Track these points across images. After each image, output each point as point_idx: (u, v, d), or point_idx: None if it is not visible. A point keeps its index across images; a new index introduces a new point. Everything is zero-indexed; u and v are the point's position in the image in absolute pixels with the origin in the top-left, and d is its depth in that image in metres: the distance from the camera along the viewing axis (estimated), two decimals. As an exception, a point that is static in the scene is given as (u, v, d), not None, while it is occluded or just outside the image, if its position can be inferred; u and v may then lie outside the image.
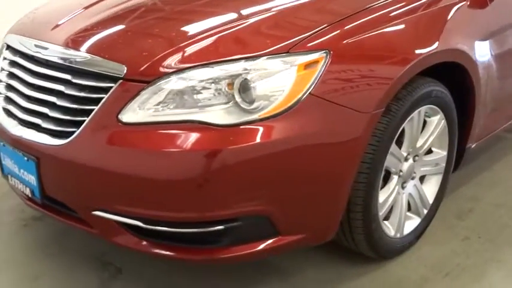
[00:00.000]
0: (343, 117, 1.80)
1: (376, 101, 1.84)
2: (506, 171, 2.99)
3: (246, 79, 1.70)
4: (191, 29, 1.96)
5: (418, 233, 2.33)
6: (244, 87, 1.70)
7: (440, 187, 2.39)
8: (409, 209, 2.30)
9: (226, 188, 1.69)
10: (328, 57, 1.77)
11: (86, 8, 2.26)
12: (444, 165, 2.37)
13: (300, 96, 1.72)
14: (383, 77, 1.86)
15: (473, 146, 2.55)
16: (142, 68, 1.78)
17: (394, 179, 2.15)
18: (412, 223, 2.31)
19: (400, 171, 2.16)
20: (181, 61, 1.78)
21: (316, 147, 1.77)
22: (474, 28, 2.28)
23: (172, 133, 1.71)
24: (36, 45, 2.04)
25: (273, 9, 2.00)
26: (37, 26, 2.23)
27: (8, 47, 2.22)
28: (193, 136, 1.69)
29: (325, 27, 1.84)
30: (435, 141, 2.30)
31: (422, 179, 2.35)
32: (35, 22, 2.29)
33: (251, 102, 1.70)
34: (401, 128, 2.02)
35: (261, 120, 1.70)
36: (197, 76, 1.74)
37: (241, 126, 1.69)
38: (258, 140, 1.69)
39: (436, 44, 2.04)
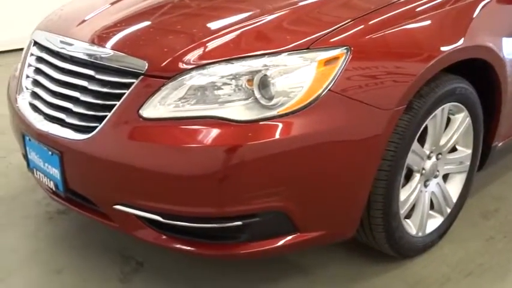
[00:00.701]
0: (364, 114, 1.78)
1: (398, 98, 1.82)
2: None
3: (265, 75, 1.70)
4: (212, 25, 1.97)
5: (441, 232, 2.30)
6: (264, 83, 1.71)
7: (464, 186, 2.35)
8: (432, 207, 2.28)
9: (244, 183, 1.69)
10: (348, 53, 1.76)
11: (112, 4, 2.29)
12: (469, 163, 2.33)
13: (319, 92, 1.72)
14: (405, 74, 1.84)
15: (500, 144, 2.51)
16: (163, 64, 1.79)
17: (417, 177, 2.12)
18: (435, 222, 2.28)
19: (423, 169, 2.13)
20: (202, 57, 1.79)
21: (336, 144, 1.76)
22: (501, 24, 2.24)
23: (192, 128, 1.72)
24: (61, 41, 2.07)
25: (294, 5, 1.99)
26: (63, 22, 2.26)
27: (35, 43, 2.27)
28: (213, 132, 1.69)
29: (347, 23, 1.83)
30: (459, 139, 2.27)
31: (446, 177, 2.32)
32: (61, 19, 2.33)
33: (270, 98, 1.70)
34: (423, 126, 2.00)
35: (280, 116, 1.70)
36: (217, 72, 1.75)
37: (260, 122, 1.69)
38: (277, 136, 1.69)
39: (461, 41, 2.01)
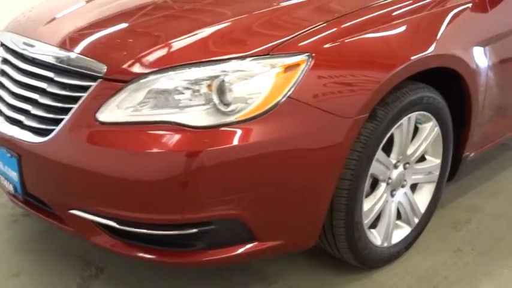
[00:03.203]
0: (324, 122, 1.76)
1: (360, 106, 1.80)
2: (509, 181, 2.91)
3: (223, 81, 1.68)
4: (175, 28, 1.94)
5: (408, 242, 2.28)
6: (222, 89, 1.68)
7: (433, 196, 2.33)
8: (399, 217, 2.25)
9: (199, 191, 1.66)
10: (310, 60, 1.73)
11: (78, 7, 2.26)
12: (438, 174, 2.31)
13: (278, 99, 1.69)
14: (367, 82, 1.82)
15: (472, 155, 2.49)
16: (122, 67, 1.76)
17: (382, 186, 2.10)
18: (402, 232, 2.25)
19: (389, 178, 2.11)
20: (162, 61, 1.76)
21: (295, 151, 1.74)
22: (472, 33, 2.22)
23: (148, 134, 1.69)
24: (24, 43, 2.04)
25: (258, 10, 1.97)
26: (29, 23, 2.23)
27: (2, 45, 2.24)
28: (169, 137, 1.66)
29: (309, 29, 1.80)
30: (428, 148, 2.25)
31: (414, 187, 2.30)
32: (28, 20, 2.30)
33: (228, 104, 1.68)
34: (388, 135, 1.98)
35: (238, 122, 1.67)
36: (177, 76, 1.72)
37: (218, 129, 1.66)
38: (234, 142, 1.66)
39: (429, 49, 1.99)
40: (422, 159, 2.28)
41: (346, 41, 1.81)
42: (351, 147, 1.85)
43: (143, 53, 1.78)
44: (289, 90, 1.70)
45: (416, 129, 2.16)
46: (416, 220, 2.29)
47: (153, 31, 1.97)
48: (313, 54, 1.74)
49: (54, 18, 2.18)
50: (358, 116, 1.80)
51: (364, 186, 1.96)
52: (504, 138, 2.73)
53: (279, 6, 2.01)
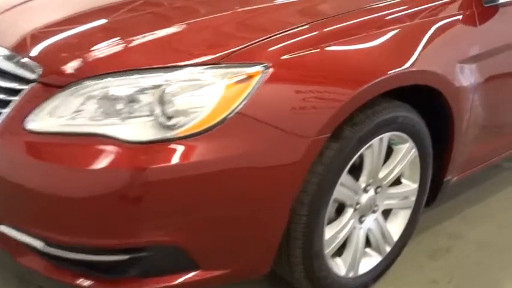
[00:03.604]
0: (278, 141, 1.57)
1: (320, 125, 1.61)
2: (497, 206, 2.72)
3: (164, 91, 1.50)
4: (124, 31, 1.75)
5: (378, 272, 2.09)
6: (163, 100, 1.50)
7: (408, 223, 2.14)
8: (369, 245, 2.07)
9: (130, 214, 1.48)
10: (266, 71, 1.55)
11: (25, 3, 2.08)
12: (414, 199, 2.12)
13: (226, 114, 1.51)
14: (331, 99, 1.63)
15: (455, 178, 2.30)
16: (57, 69, 1.59)
17: (349, 212, 1.91)
18: (371, 261, 2.06)
19: (357, 203, 1.92)
20: (102, 65, 1.59)
21: (244, 172, 1.55)
22: (458, 49, 2.03)
23: (80, 147, 1.51)
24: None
25: (216, 14, 1.79)
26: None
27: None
28: (102, 153, 1.48)
29: (268, 38, 1.62)
30: (405, 172, 2.06)
31: (387, 213, 2.11)
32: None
33: (170, 117, 1.50)
34: (356, 156, 1.79)
35: (180, 138, 1.49)
36: (118, 83, 1.55)
37: (157, 144, 1.48)
38: (173, 161, 1.47)
39: (405, 64, 1.80)
40: (397, 182, 2.09)
41: (308, 52, 1.62)
42: (310, 169, 1.67)
43: (83, 55, 1.61)
44: (239, 105, 1.52)
45: (391, 150, 1.98)
46: (388, 248, 2.10)
47: (99, 32, 1.79)
48: (270, 65, 1.56)
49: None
50: (318, 136, 1.62)
51: (325, 212, 1.77)
52: (495, 161, 2.53)
53: (240, 11, 1.83)
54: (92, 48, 1.63)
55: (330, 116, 1.62)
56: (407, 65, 1.80)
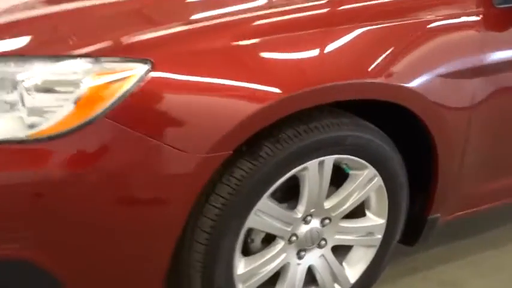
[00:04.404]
0: (156, 155, 1.30)
1: (214, 140, 1.32)
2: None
3: (22, 86, 1.28)
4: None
5: (324, 321, 1.76)
6: (22, 96, 1.29)
7: (371, 265, 1.77)
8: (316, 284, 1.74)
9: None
10: (147, 69, 1.27)
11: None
12: (381, 237, 1.75)
13: (90, 118, 1.25)
14: (228, 109, 1.32)
15: (447, 218, 1.88)
16: None
17: (279, 244, 1.59)
18: (316, 305, 1.74)
19: (293, 235, 1.60)
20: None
21: (111, 187, 1.31)
22: (446, 59, 1.61)
23: None
24: None
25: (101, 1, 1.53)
26: None
27: None
28: None
29: (157, 30, 1.35)
30: (370, 203, 1.70)
31: (345, 249, 1.76)
32: None
33: (27, 115, 1.28)
34: (281, 181, 1.47)
35: (32, 141, 1.27)
36: None
37: (3, 145, 1.27)
38: (20, 165, 1.27)
39: (355, 73, 1.45)
40: (361, 214, 1.73)
41: (204, 48, 1.32)
42: (211, 191, 1.40)
43: None
44: (108, 108, 1.26)
45: (346, 176, 1.63)
46: (340, 291, 1.76)
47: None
48: (154, 63, 1.29)
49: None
50: (211, 153, 1.33)
51: (232, 243, 1.47)
52: (509, 201, 2.05)
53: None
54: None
55: (228, 130, 1.32)
56: (360, 74, 1.45)
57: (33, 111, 1.27)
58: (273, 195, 1.55)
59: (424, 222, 1.83)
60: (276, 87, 1.34)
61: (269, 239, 1.60)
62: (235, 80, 1.33)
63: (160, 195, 1.33)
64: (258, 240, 1.61)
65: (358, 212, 1.73)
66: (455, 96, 1.65)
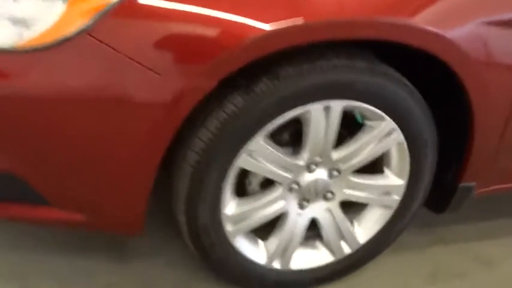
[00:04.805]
0: (136, 76, 1.23)
1: (195, 68, 1.22)
2: None
3: None
4: None
5: (326, 274, 1.64)
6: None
7: (385, 228, 1.62)
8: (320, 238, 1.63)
9: None
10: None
11: None
12: (399, 199, 1.59)
13: (72, 33, 1.20)
14: (216, 37, 1.21)
15: (484, 189, 1.67)
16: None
17: (277, 190, 1.49)
18: (317, 258, 1.63)
19: (294, 183, 1.49)
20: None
21: (92, 102, 1.25)
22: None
23: None
24: None
25: None
26: None
27: None
28: None
29: None
30: (390, 160, 1.55)
31: (360, 207, 1.62)
32: None
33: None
34: (279, 123, 1.35)
35: (16, 52, 1.24)
36: None
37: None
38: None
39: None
40: (380, 170, 1.58)
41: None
42: (199, 123, 1.32)
43: None
44: (89, 25, 1.19)
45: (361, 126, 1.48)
46: (347, 250, 1.63)
47: None
48: (141, -21, 1.20)
49: None
50: (193, 81, 1.24)
51: (219, 181, 1.39)
52: None
53: None
54: None
55: (209, 59, 1.21)
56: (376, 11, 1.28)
57: (19, 21, 1.24)
58: (277, 138, 1.46)
59: (455, 189, 1.64)
60: (260, 21, 1.21)
61: (270, 184, 1.51)
62: (221, 10, 1.20)
63: (136, 119, 1.27)
64: (255, 183, 1.52)
65: (377, 168, 1.59)
66: (503, 51, 1.42)
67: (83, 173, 1.36)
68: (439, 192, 1.68)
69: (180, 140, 1.39)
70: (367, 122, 1.47)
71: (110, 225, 1.46)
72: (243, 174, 1.49)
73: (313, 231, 1.62)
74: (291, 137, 1.50)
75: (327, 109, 1.38)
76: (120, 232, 1.53)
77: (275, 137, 1.45)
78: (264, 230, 1.57)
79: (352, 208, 1.64)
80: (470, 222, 1.93)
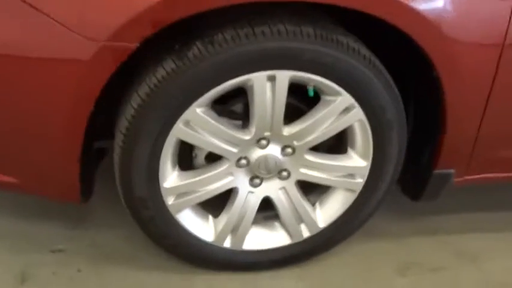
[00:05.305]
0: (54, 35, 1.15)
1: (112, 28, 1.13)
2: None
3: None
4: None
5: (282, 257, 1.53)
6: None
7: (347, 211, 1.49)
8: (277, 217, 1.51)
9: None
10: None
11: None
12: (363, 181, 1.45)
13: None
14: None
15: (465, 177, 1.50)
16: None
17: (224, 165, 1.38)
18: (273, 239, 1.52)
19: (242, 158, 1.38)
20: None
21: (13, 61, 1.19)
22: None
23: None
24: None
25: None
26: None
27: None
28: None
29: None
30: (353, 139, 1.41)
31: (324, 189, 1.50)
32: None
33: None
34: (217, 90, 1.24)
35: None
36: None
37: None
38: None
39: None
40: (342, 150, 1.44)
41: None
42: (103, 84, 1.21)
43: None
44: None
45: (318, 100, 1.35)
46: (305, 233, 1.51)
47: None
48: None
49: None
50: (112, 41, 1.14)
51: (152, 151, 1.29)
52: None
53: None
54: None
55: (126, 19, 1.12)
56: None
57: None
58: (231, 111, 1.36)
59: (429, 175, 1.48)
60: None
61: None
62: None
63: (57, 78, 1.20)
64: (201, 156, 1.42)
65: (341, 148, 1.45)
66: (479, 29, 1.25)
67: (11, 134, 1.31)
68: (414, 178, 1.53)
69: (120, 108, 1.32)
70: (324, 97, 1.33)
71: (44, 189, 1.42)
72: (191, 147, 1.41)
73: (274, 211, 1.52)
74: (245, 110, 1.39)
75: (272, 79, 1.26)
76: (57, 198, 1.47)
77: (228, 109, 1.36)
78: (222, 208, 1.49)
79: (316, 190, 1.53)
80: (455, 214, 1.76)
